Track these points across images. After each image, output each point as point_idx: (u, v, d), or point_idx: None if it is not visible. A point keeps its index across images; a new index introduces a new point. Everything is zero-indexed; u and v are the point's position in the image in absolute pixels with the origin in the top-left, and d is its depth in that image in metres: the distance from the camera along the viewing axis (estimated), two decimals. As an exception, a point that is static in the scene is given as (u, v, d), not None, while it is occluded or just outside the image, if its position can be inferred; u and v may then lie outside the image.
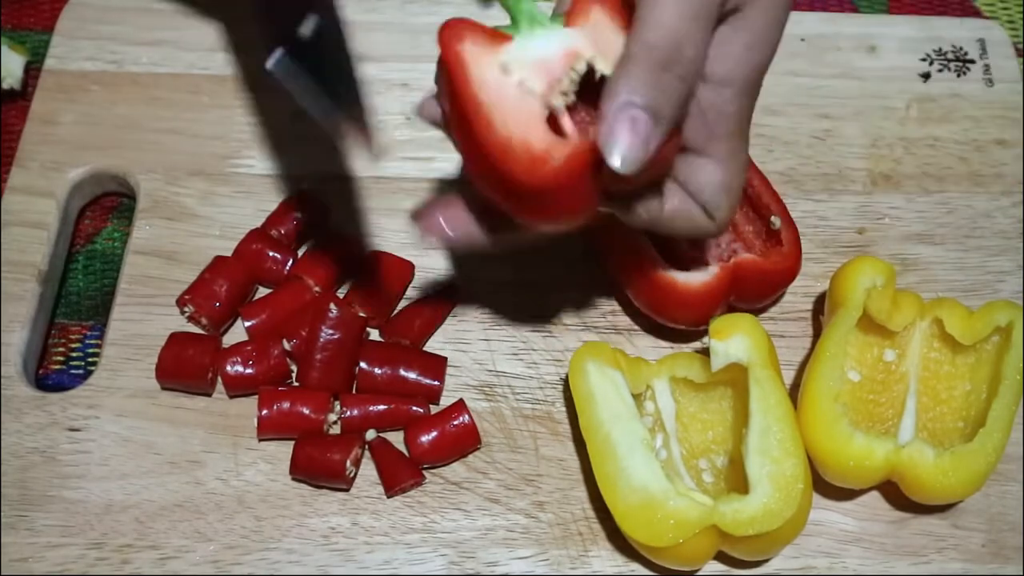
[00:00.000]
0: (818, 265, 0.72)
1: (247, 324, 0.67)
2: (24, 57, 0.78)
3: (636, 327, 0.70)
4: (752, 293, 0.68)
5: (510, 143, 0.50)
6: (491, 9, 0.80)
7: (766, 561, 0.62)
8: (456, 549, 0.62)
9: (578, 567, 0.62)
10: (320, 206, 0.71)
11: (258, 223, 0.71)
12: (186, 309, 0.68)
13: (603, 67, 0.51)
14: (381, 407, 0.64)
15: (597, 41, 0.52)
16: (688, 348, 0.69)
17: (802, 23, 0.82)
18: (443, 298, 0.69)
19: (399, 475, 0.63)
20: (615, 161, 0.49)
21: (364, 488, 0.64)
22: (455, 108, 0.53)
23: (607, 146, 0.49)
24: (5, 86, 0.77)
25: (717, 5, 0.51)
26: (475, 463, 0.65)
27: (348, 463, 0.62)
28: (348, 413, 0.64)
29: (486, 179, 0.54)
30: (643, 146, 0.49)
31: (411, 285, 0.70)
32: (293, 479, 0.63)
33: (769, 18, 0.55)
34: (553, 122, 0.51)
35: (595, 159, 0.50)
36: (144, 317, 0.68)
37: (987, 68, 0.80)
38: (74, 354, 0.70)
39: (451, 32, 0.52)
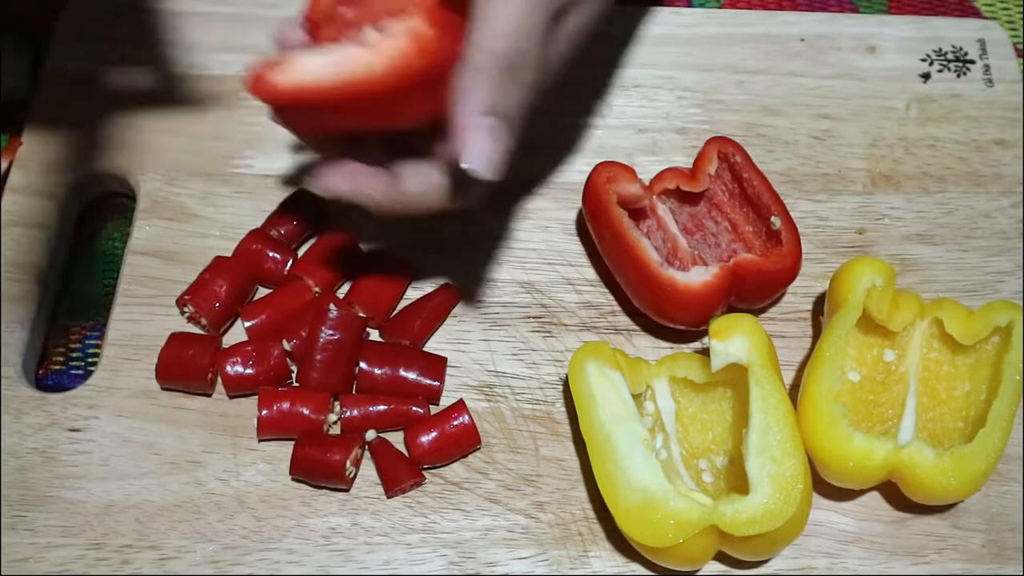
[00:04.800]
0: (818, 265, 0.72)
1: (247, 324, 0.67)
2: (28, 61, 0.78)
3: (636, 327, 0.70)
4: (752, 293, 0.68)
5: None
6: None
7: (766, 561, 0.62)
8: (456, 549, 0.62)
9: (578, 567, 0.62)
10: (320, 206, 0.71)
11: (258, 223, 0.71)
12: (186, 309, 0.68)
13: None
14: (381, 407, 0.64)
15: None
16: (688, 348, 0.69)
17: (802, 23, 0.82)
18: (443, 298, 0.69)
19: (399, 475, 0.63)
20: (482, 170, 0.51)
21: (364, 488, 0.64)
22: None
23: (470, 157, 0.51)
24: (15, 98, 0.77)
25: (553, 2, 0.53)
26: (475, 463, 0.65)
27: (348, 463, 0.62)
28: (348, 413, 0.64)
29: None
30: (503, 150, 0.51)
31: (411, 285, 0.70)
32: (293, 479, 0.63)
33: (589, 14, 0.57)
34: None
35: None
36: (144, 317, 0.68)
37: (987, 68, 0.80)
38: (74, 354, 0.70)
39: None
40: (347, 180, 0.58)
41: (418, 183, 0.57)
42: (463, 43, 0.52)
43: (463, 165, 0.51)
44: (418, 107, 0.55)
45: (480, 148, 0.51)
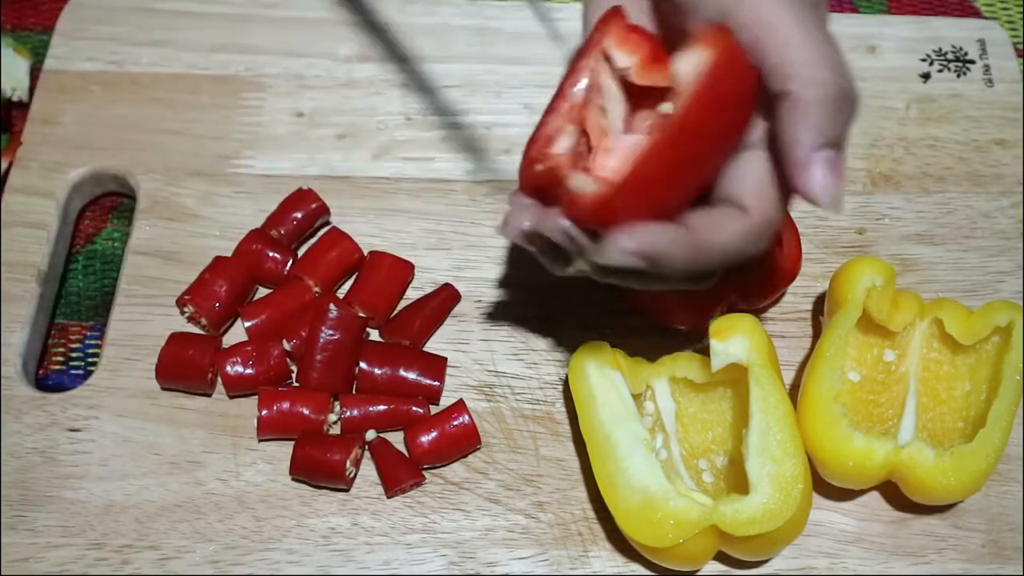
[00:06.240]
0: (818, 265, 0.72)
1: (247, 324, 0.67)
2: (29, 61, 0.78)
3: (636, 327, 0.70)
4: (752, 293, 0.68)
5: None
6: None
7: (766, 561, 0.62)
8: (456, 549, 0.62)
9: (578, 567, 0.62)
10: (320, 206, 0.71)
11: (258, 223, 0.71)
12: (186, 309, 0.68)
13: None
14: (381, 407, 0.64)
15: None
16: (688, 348, 0.69)
17: (802, 23, 0.82)
18: (443, 298, 0.69)
19: (399, 475, 0.63)
20: (828, 206, 0.50)
21: (364, 488, 0.64)
22: None
23: (814, 193, 0.49)
24: (15, 98, 0.77)
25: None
26: (475, 463, 0.65)
27: (348, 463, 0.62)
28: (348, 413, 0.64)
29: None
30: (841, 181, 0.50)
31: (411, 285, 0.70)
32: (293, 479, 0.63)
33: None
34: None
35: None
36: (144, 317, 0.68)
37: (987, 68, 0.80)
38: (74, 354, 0.70)
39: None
40: (638, 237, 0.48)
41: (713, 231, 0.51)
42: (759, 81, 0.49)
43: (816, 203, 0.49)
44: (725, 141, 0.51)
45: (824, 183, 0.49)
